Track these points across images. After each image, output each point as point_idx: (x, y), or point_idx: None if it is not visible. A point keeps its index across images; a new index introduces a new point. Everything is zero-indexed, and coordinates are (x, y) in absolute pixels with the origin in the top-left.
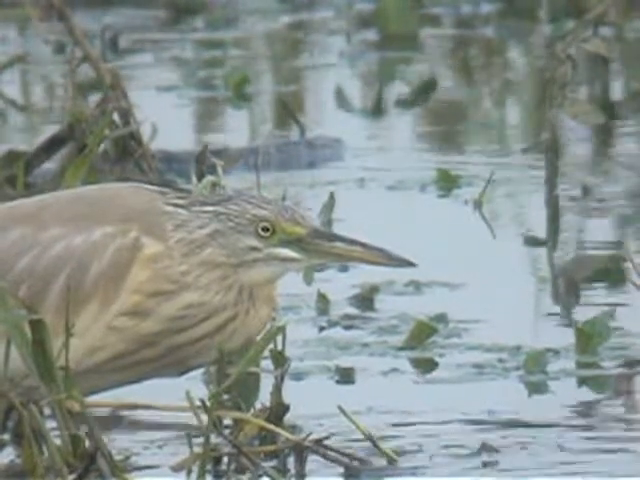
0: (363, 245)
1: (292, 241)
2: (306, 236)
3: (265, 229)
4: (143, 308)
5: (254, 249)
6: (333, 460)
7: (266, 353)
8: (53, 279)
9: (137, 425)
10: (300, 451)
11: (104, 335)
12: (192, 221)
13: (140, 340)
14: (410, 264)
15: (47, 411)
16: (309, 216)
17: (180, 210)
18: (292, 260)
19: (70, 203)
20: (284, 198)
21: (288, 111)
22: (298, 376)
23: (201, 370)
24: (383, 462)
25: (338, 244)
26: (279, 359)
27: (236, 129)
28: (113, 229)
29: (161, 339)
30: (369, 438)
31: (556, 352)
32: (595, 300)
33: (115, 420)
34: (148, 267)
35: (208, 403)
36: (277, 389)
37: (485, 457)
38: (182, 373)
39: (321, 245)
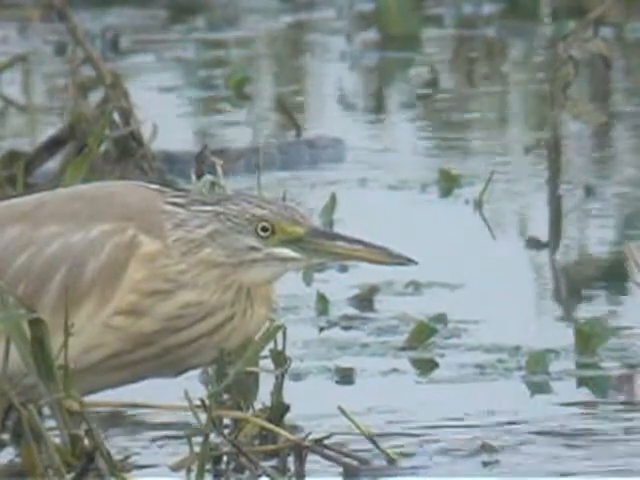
0: (363, 243)
1: (291, 241)
2: (305, 235)
3: (264, 229)
4: (140, 307)
5: (253, 249)
6: (333, 460)
7: (266, 353)
8: (50, 277)
9: (137, 424)
10: (300, 451)
11: (101, 334)
12: (191, 220)
13: (137, 339)
14: (411, 262)
15: (46, 410)
16: (308, 215)
17: (179, 209)
18: (292, 260)
19: (67, 201)
20: (285, 198)
21: (285, 111)
22: (298, 376)
23: (200, 370)
24: (383, 462)
25: (338, 243)
26: (279, 359)
27: (237, 129)
28: (111, 227)
29: (158, 338)
30: (369, 438)
31: (556, 352)
32: (596, 300)
33: (114, 419)
34: (145, 266)
35: (207, 402)
36: (277, 389)
37: (485, 457)
38: (179, 373)
39: (321, 244)
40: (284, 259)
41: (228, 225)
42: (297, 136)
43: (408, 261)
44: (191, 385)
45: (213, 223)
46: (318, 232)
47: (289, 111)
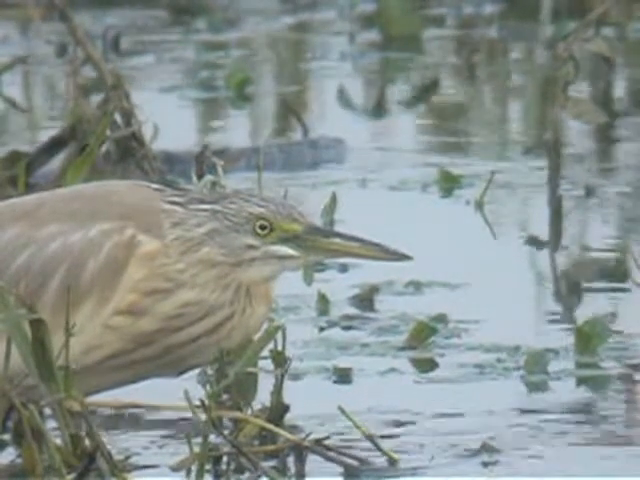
0: (360, 240)
1: (289, 238)
2: (303, 233)
3: (262, 227)
4: (139, 306)
5: (251, 247)
6: (333, 460)
7: (266, 353)
8: (50, 277)
9: (137, 425)
10: (300, 451)
11: (100, 334)
12: (189, 219)
13: (137, 339)
14: (407, 258)
15: (48, 411)
16: (306, 213)
17: (177, 208)
18: (290, 257)
19: (67, 200)
20: (286, 198)
21: (292, 111)
22: (298, 376)
23: (198, 370)
24: (383, 462)
25: (335, 240)
26: (279, 359)
27: (238, 130)
28: (110, 226)
29: (158, 338)
30: (369, 438)
31: (556, 352)
32: (596, 300)
33: (115, 420)
34: (144, 265)
35: (207, 403)
36: (277, 389)
37: (485, 457)
38: (180, 373)
39: (318, 241)
40: (282, 257)
41: (226, 224)
42: (304, 136)
43: (404, 257)
44: (191, 385)
45: (211, 222)
46: (315, 229)
47: (295, 112)
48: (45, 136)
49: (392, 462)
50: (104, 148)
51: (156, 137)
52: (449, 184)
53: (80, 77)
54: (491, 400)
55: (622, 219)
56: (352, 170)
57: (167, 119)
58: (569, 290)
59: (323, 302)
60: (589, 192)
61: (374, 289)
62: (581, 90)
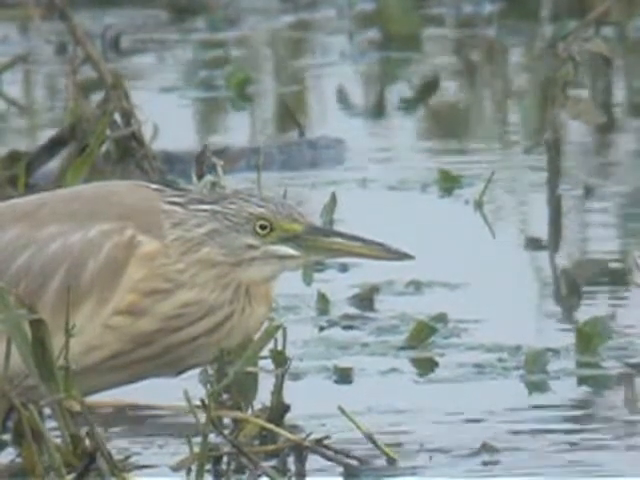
0: (361, 240)
1: (289, 238)
2: (303, 232)
3: (262, 227)
4: (139, 307)
5: (252, 247)
6: (333, 460)
7: (266, 353)
8: (50, 277)
9: (137, 425)
10: (300, 451)
11: (100, 334)
12: (189, 219)
13: (136, 339)
14: (408, 257)
15: (48, 411)
16: (306, 213)
17: (177, 208)
18: (290, 257)
19: (67, 201)
20: (285, 197)
21: (288, 112)
22: (298, 376)
23: (199, 370)
24: (383, 462)
25: (336, 239)
26: (279, 359)
27: (238, 129)
28: (110, 227)
29: (157, 338)
30: (369, 438)
31: (556, 352)
32: (596, 300)
33: (115, 420)
34: (144, 265)
35: (207, 402)
36: (277, 389)
37: (485, 457)
38: (179, 373)
39: (319, 241)
40: (282, 257)
41: (226, 224)
42: (300, 136)
43: (406, 256)
44: (191, 385)
45: (211, 222)
46: (316, 229)
47: (292, 112)
48: (45, 136)
49: (392, 462)
50: (104, 148)
51: (156, 137)
52: (449, 184)
53: (80, 77)
54: (491, 400)
55: (622, 219)
56: (352, 170)
57: (167, 119)
58: (569, 290)
59: (323, 302)
60: (588, 192)
61: (374, 289)
62: (581, 90)
